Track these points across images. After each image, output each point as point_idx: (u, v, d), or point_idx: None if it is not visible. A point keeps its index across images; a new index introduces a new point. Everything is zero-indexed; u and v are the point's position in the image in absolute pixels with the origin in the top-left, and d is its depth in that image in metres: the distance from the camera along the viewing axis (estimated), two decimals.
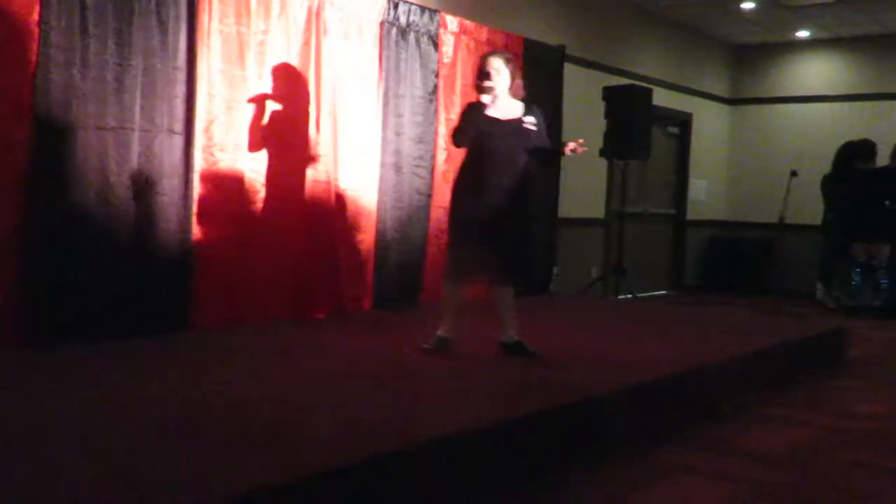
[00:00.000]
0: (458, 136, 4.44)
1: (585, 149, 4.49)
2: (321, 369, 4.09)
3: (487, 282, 4.52)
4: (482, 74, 4.39)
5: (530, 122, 4.40)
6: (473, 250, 4.36)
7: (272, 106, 5.30)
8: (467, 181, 4.45)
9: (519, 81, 4.44)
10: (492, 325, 4.53)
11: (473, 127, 4.33)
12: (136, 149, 4.64)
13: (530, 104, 4.50)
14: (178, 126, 4.82)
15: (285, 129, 5.39)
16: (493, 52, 4.63)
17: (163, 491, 2.36)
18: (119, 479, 2.44)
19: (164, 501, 2.30)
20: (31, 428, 2.90)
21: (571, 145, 4.44)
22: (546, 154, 4.67)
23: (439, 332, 4.45)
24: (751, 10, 9.04)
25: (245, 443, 2.84)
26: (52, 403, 3.22)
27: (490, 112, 4.35)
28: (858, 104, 10.14)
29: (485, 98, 4.33)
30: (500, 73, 4.35)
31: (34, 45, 4.21)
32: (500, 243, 4.33)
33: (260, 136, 5.24)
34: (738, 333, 5.80)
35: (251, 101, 5.15)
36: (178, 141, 4.83)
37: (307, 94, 5.48)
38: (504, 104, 4.38)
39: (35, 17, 4.20)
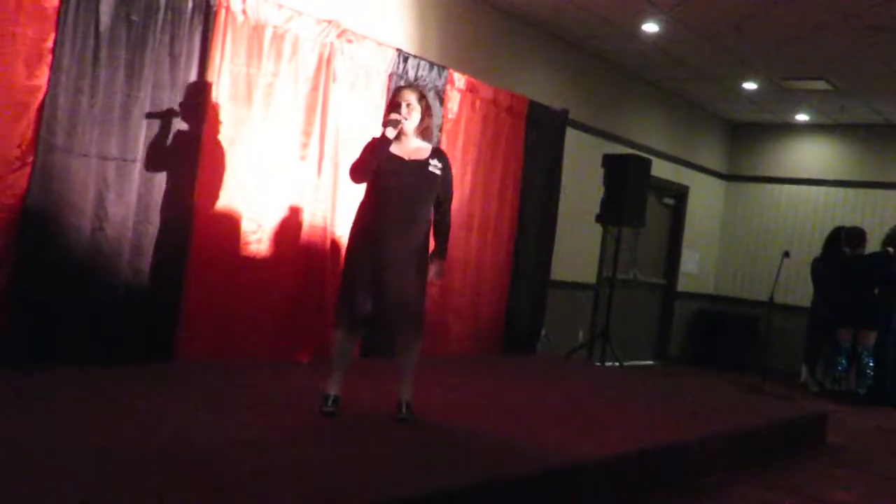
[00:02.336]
0: (356, 171, 4.05)
1: (438, 279, 4.27)
2: (284, 415, 4.03)
3: (390, 334, 4.17)
4: (392, 106, 4.07)
5: (436, 166, 4.06)
6: (362, 296, 3.97)
7: (267, 147, 5.35)
8: (362, 222, 4.07)
9: (429, 122, 4.14)
10: (476, 382, 4.44)
11: (374, 162, 3.98)
12: (136, 180, 4.66)
13: (439, 149, 4.22)
14: (181, 161, 4.85)
15: (279, 171, 5.44)
16: (407, 86, 4.30)
17: None
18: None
19: None
20: None
21: (435, 274, 4.17)
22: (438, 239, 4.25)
23: (330, 391, 4.06)
24: (752, 91, 9.20)
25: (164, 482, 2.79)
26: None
27: (394, 150, 4.02)
28: (852, 191, 10.27)
29: (389, 133, 3.96)
30: (412, 107, 4.04)
31: (46, 70, 4.26)
32: (395, 293, 3.96)
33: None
34: (718, 410, 5.79)
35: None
36: (180, 176, 4.85)
37: (309, 135, 5.54)
38: (410, 143, 4.07)
39: (50, 42, 4.26)
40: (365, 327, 4.12)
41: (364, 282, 3.98)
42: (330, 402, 4.04)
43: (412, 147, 4.09)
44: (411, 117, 4.05)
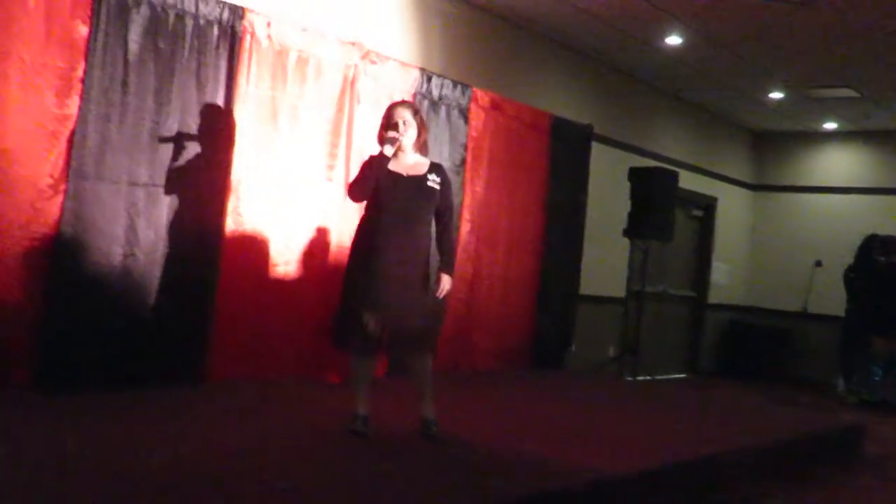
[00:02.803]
0: (355, 189, 4.07)
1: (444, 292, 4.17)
2: (313, 435, 4.04)
3: (396, 352, 4.14)
4: (388, 125, 4.06)
5: (434, 180, 4.07)
6: (367, 316, 3.91)
7: (296, 166, 5.40)
8: (363, 240, 4.05)
9: (425, 136, 4.15)
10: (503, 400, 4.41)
11: (373, 180, 3.99)
12: (165, 205, 4.73)
13: (436, 163, 4.22)
14: (209, 185, 4.92)
15: (310, 192, 5.49)
16: (400, 102, 4.31)
17: None
18: None
19: None
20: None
21: (444, 289, 4.13)
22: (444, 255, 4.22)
23: (358, 410, 4.06)
24: (778, 100, 9.15)
25: None
26: (35, 447, 3.27)
27: (392, 166, 4.02)
28: (883, 198, 10.14)
29: (387, 150, 3.99)
30: (408, 124, 4.04)
31: (76, 99, 4.35)
32: (397, 310, 3.93)
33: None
34: (752, 423, 5.74)
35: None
36: (209, 199, 4.92)
37: (334, 156, 5.59)
38: (408, 159, 4.08)
39: (79, 72, 4.35)
40: (377, 348, 4.05)
41: (367, 302, 3.93)
42: (359, 422, 4.05)
43: (410, 163, 4.09)
44: (407, 133, 4.05)
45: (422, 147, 4.15)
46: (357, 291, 3.99)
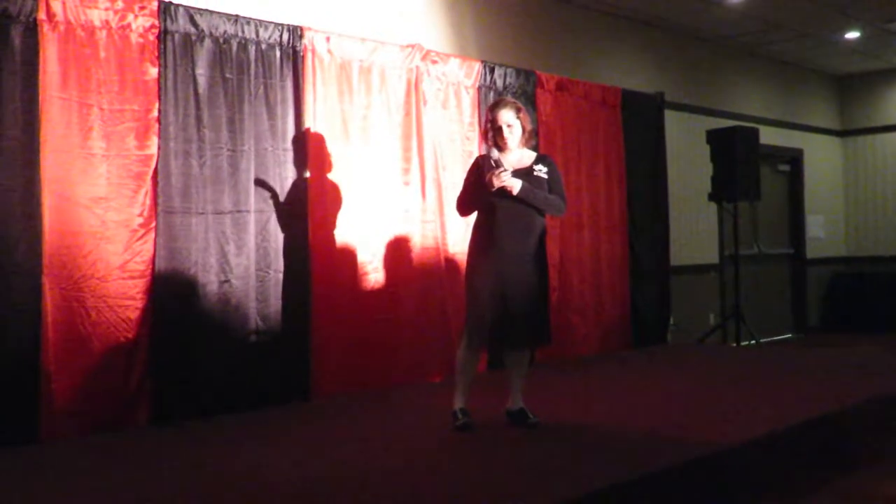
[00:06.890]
0: (461, 206, 4.24)
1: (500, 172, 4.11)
2: (422, 437, 4.07)
3: (501, 344, 4.17)
4: (494, 130, 4.14)
5: (541, 170, 4.10)
6: (488, 314, 4.02)
7: (372, 174, 5.46)
8: (478, 241, 4.15)
9: (530, 129, 4.19)
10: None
11: (478, 201, 4.11)
12: (252, 230, 4.85)
13: (543, 154, 4.30)
14: (291, 205, 5.02)
15: (390, 199, 5.54)
16: (501, 103, 4.21)
17: None
18: None
19: None
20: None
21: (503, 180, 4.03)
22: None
23: (457, 406, 4.15)
24: (855, 40, 8.80)
25: None
26: (168, 478, 3.37)
27: None
28: None
29: (495, 154, 4.05)
30: (513, 126, 4.10)
31: (155, 139, 4.49)
32: (513, 304, 3.99)
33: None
34: (871, 375, 5.53)
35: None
36: (293, 219, 5.02)
37: (408, 160, 5.63)
38: (513, 156, 4.14)
39: (155, 112, 4.49)
40: (486, 344, 4.17)
41: (489, 302, 4.01)
42: (461, 416, 4.10)
43: (516, 158, 4.15)
44: (514, 135, 4.12)
45: (528, 139, 4.20)
46: (479, 293, 4.06)
